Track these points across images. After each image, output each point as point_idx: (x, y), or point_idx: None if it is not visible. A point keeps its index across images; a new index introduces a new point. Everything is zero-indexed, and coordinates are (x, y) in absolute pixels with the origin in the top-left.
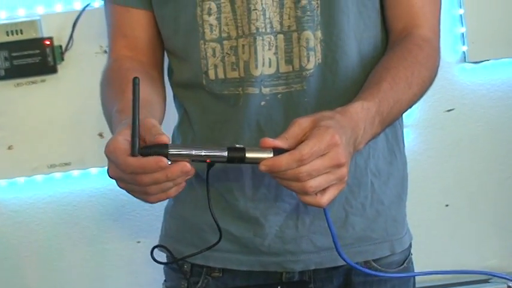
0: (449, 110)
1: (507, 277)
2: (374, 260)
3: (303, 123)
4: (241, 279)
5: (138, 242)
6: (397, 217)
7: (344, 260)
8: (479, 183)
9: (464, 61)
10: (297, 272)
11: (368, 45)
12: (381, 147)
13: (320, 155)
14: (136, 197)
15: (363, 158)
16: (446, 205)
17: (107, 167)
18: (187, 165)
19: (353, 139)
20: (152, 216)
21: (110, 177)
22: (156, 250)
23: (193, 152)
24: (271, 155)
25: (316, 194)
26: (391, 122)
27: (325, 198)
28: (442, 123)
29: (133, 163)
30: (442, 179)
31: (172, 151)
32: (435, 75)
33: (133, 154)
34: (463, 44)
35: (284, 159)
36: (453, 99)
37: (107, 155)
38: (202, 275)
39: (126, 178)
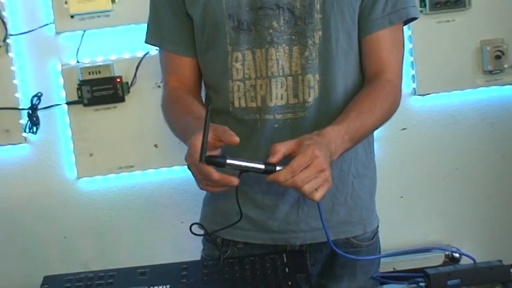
0: (403, 129)
1: (444, 248)
2: (352, 237)
3: (287, 145)
4: (257, 250)
5: (182, 222)
6: (369, 207)
7: (328, 240)
8: (424, 181)
9: (414, 94)
10: (297, 245)
11: (351, 83)
12: (360, 156)
13: (307, 166)
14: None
15: (347, 164)
16: (401, 197)
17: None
18: (234, 181)
19: (329, 152)
20: (192, 204)
21: (186, 160)
22: (195, 227)
23: (243, 164)
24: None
25: (311, 192)
26: (360, 139)
27: (317, 195)
28: (398, 138)
29: (200, 169)
30: (398, 178)
31: (229, 161)
32: (396, 107)
33: (200, 161)
34: (413, 82)
35: (282, 174)
36: (406, 121)
37: (188, 148)
38: (230, 246)
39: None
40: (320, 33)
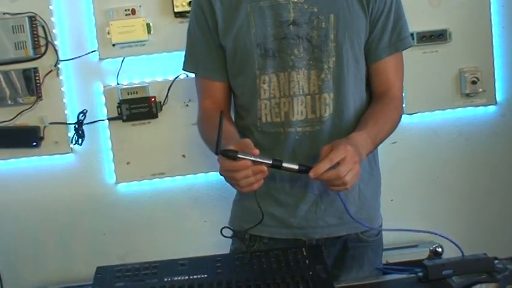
0: (393, 142)
1: (440, 234)
2: (361, 233)
3: (325, 148)
4: (280, 244)
5: (205, 221)
6: (374, 206)
7: (351, 217)
8: (411, 186)
9: (403, 113)
10: (315, 239)
11: (359, 101)
12: (364, 163)
13: (343, 158)
14: (236, 188)
15: None
16: (391, 200)
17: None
18: (264, 168)
19: (358, 152)
20: (214, 205)
21: (220, 174)
22: (225, 230)
23: (252, 158)
24: (297, 167)
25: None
26: (379, 143)
27: (349, 185)
28: (389, 150)
29: (228, 164)
30: (389, 184)
31: (240, 155)
32: (400, 118)
33: (216, 153)
34: (403, 103)
35: (321, 166)
36: (396, 136)
37: (218, 161)
38: (256, 241)
39: (226, 175)
40: (334, 58)
